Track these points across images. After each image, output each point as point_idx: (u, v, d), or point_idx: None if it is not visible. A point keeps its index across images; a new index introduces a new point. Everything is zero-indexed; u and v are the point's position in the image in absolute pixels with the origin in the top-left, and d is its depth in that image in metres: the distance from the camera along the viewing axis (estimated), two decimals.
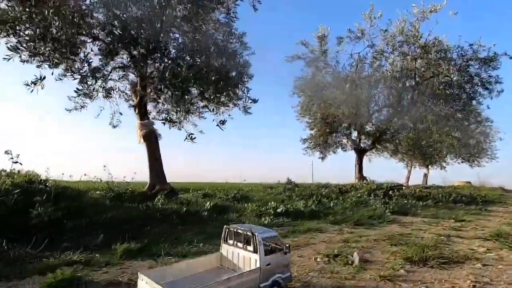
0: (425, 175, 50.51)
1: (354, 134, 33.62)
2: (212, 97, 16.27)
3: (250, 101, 16.90)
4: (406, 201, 18.30)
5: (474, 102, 27.38)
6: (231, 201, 14.51)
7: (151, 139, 15.90)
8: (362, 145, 33.63)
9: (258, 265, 4.61)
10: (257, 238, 4.65)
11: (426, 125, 25.19)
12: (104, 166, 13.87)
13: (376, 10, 27.38)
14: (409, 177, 49.59)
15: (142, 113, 16.03)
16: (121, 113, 17.36)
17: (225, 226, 5.40)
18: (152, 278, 4.08)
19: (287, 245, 5.02)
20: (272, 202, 13.23)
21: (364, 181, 30.85)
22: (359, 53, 28.74)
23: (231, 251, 5.16)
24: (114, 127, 18.24)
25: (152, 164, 15.89)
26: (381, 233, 10.03)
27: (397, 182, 36.29)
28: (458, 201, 19.35)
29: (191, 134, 15.55)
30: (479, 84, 26.64)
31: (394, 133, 28.35)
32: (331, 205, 14.57)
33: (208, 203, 12.02)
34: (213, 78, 16.26)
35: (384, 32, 26.96)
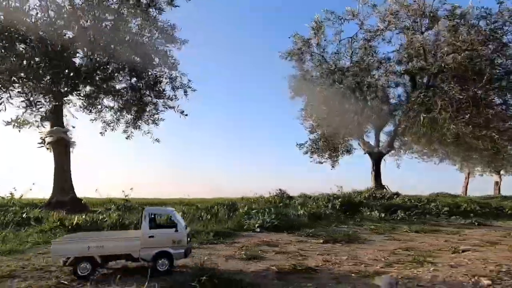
0: (496, 183, 40.02)
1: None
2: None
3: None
4: (369, 214, 13.52)
5: None
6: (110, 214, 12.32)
7: (60, 148, 15.11)
8: (380, 147, 27.69)
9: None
10: (143, 212, 5.63)
11: (435, 113, 19.03)
12: None
13: None
14: (466, 185, 39.66)
15: (55, 119, 15.35)
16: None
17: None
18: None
19: (182, 223, 5.82)
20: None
21: (382, 190, 25.12)
22: (350, 37, 24.16)
23: None
24: None
25: (58, 175, 14.88)
26: None
27: (447, 192, 28.86)
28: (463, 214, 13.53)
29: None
30: None
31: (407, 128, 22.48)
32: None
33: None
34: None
35: (377, 7, 22.07)
